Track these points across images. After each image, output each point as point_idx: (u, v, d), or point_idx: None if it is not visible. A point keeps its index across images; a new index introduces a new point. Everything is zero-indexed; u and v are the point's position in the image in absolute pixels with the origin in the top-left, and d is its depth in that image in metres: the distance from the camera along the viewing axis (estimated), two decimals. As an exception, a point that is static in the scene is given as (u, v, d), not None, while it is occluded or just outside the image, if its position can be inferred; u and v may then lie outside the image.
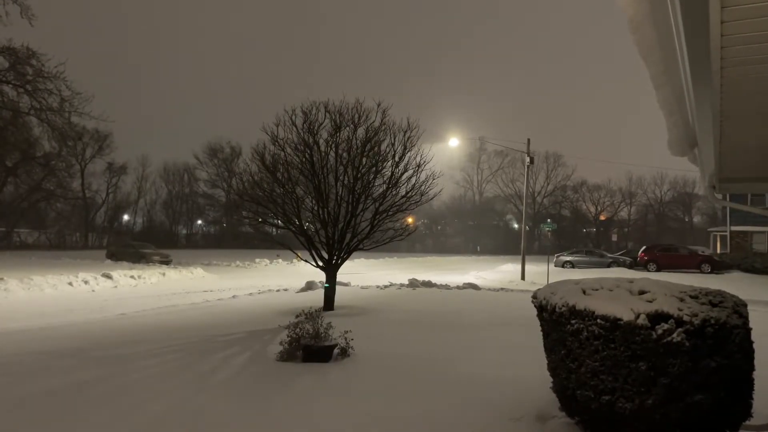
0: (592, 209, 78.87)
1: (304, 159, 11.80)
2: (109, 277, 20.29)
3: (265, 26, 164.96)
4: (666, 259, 31.05)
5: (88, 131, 55.80)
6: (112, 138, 64.11)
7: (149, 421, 4.56)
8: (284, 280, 22.04)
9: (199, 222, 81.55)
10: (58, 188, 53.76)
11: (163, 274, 23.55)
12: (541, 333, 4.46)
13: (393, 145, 11.93)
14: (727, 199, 10.53)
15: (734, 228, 35.09)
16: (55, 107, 29.10)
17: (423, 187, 12.17)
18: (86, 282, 18.91)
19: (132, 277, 21.32)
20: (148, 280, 21.65)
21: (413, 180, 12.06)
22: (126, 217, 75.40)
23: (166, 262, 32.83)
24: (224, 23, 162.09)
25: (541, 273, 25.65)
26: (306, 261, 12.15)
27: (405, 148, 11.94)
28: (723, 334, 3.45)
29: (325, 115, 11.75)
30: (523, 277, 24.70)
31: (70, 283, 18.33)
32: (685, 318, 3.44)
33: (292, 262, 33.88)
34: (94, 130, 58.67)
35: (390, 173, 12.01)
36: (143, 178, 75.24)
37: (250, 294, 15.95)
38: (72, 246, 58.76)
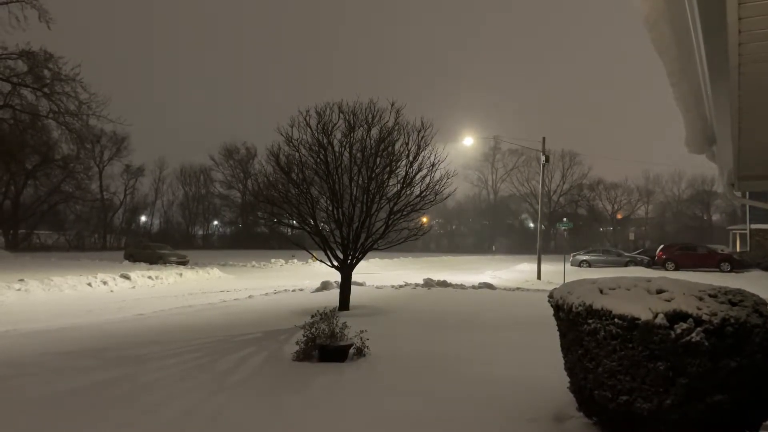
0: (609, 208, 78.05)
1: (318, 159, 11.85)
2: (127, 277, 20.52)
3: (279, 28, 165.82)
4: (684, 257, 30.66)
5: (105, 134, 56.73)
6: (130, 140, 65.02)
7: (168, 421, 4.61)
8: (300, 280, 22.13)
9: (215, 223, 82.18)
10: (77, 190, 54.59)
11: (180, 275, 23.75)
12: (557, 333, 4.44)
13: (407, 144, 11.95)
14: (747, 197, 10.38)
15: (754, 226, 34.56)
16: (73, 110, 29.60)
17: (437, 187, 12.18)
18: (105, 283, 19.14)
19: (150, 277, 21.54)
20: (165, 281, 21.86)
21: (427, 179, 12.08)
22: (143, 218, 76.23)
23: (183, 262, 33.12)
24: (236, 25, 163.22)
25: (557, 272, 25.47)
26: (321, 261, 12.20)
27: (419, 148, 11.95)
28: (743, 333, 3.41)
29: (339, 116, 11.80)
30: (539, 277, 24.54)
31: (89, 284, 18.57)
32: (704, 317, 3.41)
33: (307, 262, 33.99)
34: (112, 133, 59.59)
35: (404, 173, 12.02)
36: (160, 179, 76.09)
37: (266, 294, 16.04)
38: (91, 247, 59.45)
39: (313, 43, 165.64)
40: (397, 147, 12.02)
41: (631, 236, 61.80)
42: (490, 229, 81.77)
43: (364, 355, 6.91)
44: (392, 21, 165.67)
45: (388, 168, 12.02)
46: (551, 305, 4.46)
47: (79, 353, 7.35)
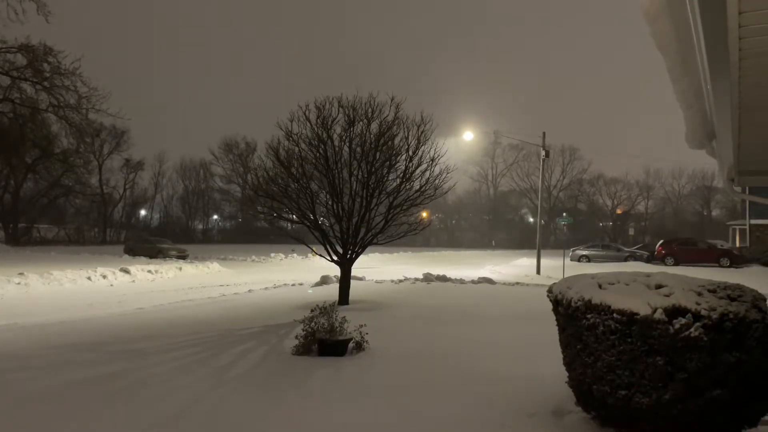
0: (609, 203, 77.98)
1: (318, 154, 11.83)
2: (127, 271, 20.53)
3: (279, 24, 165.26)
4: (684, 253, 30.67)
5: (105, 128, 56.78)
6: (129, 134, 64.99)
7: (168, 415, 4.63)
8: (299, 274, 22.15)
9: (215, 217, 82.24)
10: (77, 184, 54.58)
11: (180, 269, 23.75)
12: (556, 327, 4.45)
13: (406, 139, 11.94)
14: (747, 192, 10.36)
15: (754, 221, 34.54)
16: (73, 104, 29.53)
17: (437, 181, 12.18)
18: (105, 276, 19.15)
19: (149, 271, 21.56)
20: (165, 275, 21.88)
21: (427, 174, 12.07)
22: (143, 212, 76.32)
23: (182, 256, 33.14)
24: (237, 21, 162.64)
25: (556, 267, 25.48)
26: (321, 255, 12.20)
27: (419, 142, 11.94)
28: (742, 328, 3.41)
29: (339, 110, 11.78)
30: (538, 272, 24.55)
31: (89, 278, 18.59)
32: (703, 312, 3.41)
33: (306, 256, 34.03)
34: (112, 127, 59.63)
35: (404, 167, 12.02)
36: (160, 173, 76.15)
37: (266, 288, 16.05)
38: (90, 241, 59.56)
39: (314, 40, 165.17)
40: (396, 141, 12.01)
41: (631, 231, 61.87)
42: (490, 224, 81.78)
43: (364, 350, 6.92)
44: (392, 19, 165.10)
45: (387, 162, 12.01)
46: (550, 300, 4.46)
47: (79, 347, 7.36)
